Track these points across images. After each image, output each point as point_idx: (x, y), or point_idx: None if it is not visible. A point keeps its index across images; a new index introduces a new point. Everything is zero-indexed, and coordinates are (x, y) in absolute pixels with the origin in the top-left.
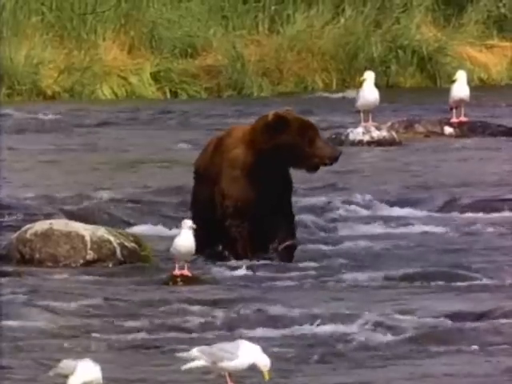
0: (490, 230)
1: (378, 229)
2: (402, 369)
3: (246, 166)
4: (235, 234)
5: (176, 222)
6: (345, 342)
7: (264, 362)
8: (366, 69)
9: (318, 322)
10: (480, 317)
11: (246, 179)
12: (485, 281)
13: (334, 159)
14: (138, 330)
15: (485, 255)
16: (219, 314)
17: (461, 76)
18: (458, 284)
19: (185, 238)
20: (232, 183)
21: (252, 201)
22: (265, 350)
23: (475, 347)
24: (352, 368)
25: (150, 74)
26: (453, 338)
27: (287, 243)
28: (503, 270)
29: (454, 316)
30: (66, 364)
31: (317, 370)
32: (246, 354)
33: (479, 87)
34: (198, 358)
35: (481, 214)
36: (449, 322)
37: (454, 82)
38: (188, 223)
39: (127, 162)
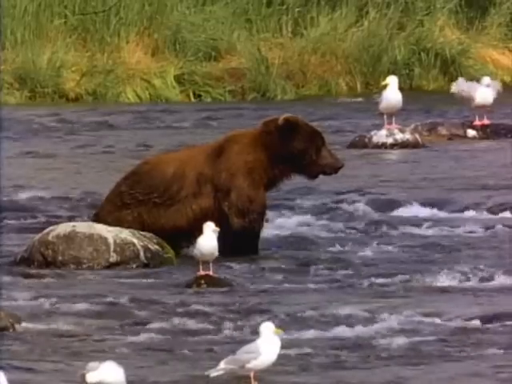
0: None
1: (400, 231)
2: (422, 371)
3: (263, 170)
4: (256, 235)
5: None
6: (364, 345)
7: (271, 328)
8: (389, 71)
9: (338, 323)
10: (503, 319)
11: (264, 184)
12: (507, 283)
13: (335, 170)
14: (162, 333)
15: (507, 257)
16: (241, 315)
17: (485, 81)
18: (482, 286)
19: (208, 240)
20: (256, 188)
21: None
22: (285, 351)
23: (497, 350)
24: (370, 370)
25: (174, 76)
26: (474, 340)
27: None
28: None
29: (477, 318)
30: (91, 367)
31: (337, 371)
32: (268, 349)
33: (502, 90)
34: (226, 369)
35: (505, 216)
36: (471, 325)
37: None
38: (211, 225)
39: None
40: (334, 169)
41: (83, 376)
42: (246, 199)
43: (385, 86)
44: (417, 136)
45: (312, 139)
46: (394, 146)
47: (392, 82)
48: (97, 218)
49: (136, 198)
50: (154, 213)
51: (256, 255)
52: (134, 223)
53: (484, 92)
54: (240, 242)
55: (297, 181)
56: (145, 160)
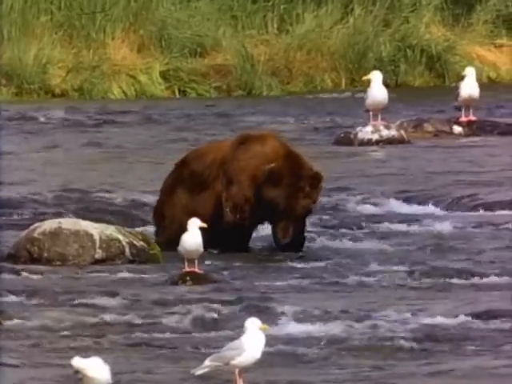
0: (500, 228)
1: (386, 227)
2: (408, 367)
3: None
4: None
5: None
6: (351, 342)
7: (257, 324)
8: (374, 68)
9: (327, 320)
10: (489, 316)
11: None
12: (496, 280)
13: (278, 244)
14: (147, 330)
15: (495, 254)
16: (227, 312)
17: (470, 73)
18: (469, 283)
19: (192, 236)
20: (253, 191)
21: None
22: (271, 347)
23: (484, 347)
24: (358, 366)
25: (160, 73)
26: (461, 337)
27: None
28: None
29: (464, 315)
30: (77, 361)
31: (323, 367)
32: (252, 346)
33: (488, 86)
34: (211, 367)
35: (490, 213)
36: (458, 321)
37: (462, 78)
38: (196, 222)
39: (136, 161)
40: (277, 243)
41: (76, 372)
42: (242, 197)
43: (368, 81)
44: (402, 132)
45: (277, 204)
46: (379, 142)
47: (376, 78)
48: (156, 215)
49: (182, 186)
50: (196, 199)
51: (244, 252)
52: (182, 213)
53: (469, 85)
54: (230, 235)
55: None
56: (194, 150)
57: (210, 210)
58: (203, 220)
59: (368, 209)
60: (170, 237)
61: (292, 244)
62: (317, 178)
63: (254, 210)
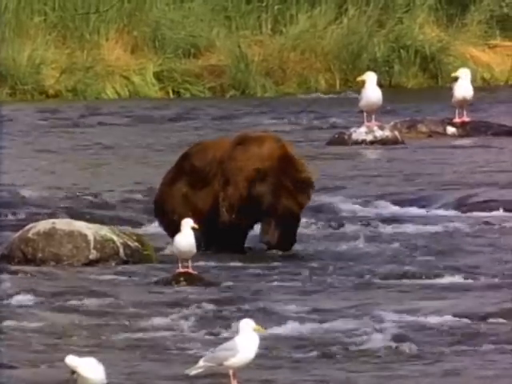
0: (493, 228)
1: (380, 228)
2: (405, 368)
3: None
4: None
5: None
6: (345, 342)
7: (251, 325)
8: (368, 69)
9: (321, 321)
10: (483, 316)
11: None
12: (489, 280)
13: (266, 243)
14: (141, 331)
15: (488, 254)
16: (221, 312)
17: (464, 75)
18: (461, 283)
19: (185, 237)
20: (250, 191)
21: None
22: (265, 348)
23: (483, 347)
24: (353, 367)
25: (153, 73)
26: (459, 337)
27: None
28: (507, 269)
29: (457, 315)
30: (71, 359)
31: (318, 368)
32: (246, 346)
33: (482, 87)
34: (205, 367)
35: (483, 213)
36: (450, 322)
37: (456, 79)
38: (189, 222)
39: (131, 162)
40: (261, 241)
41: (73, 373)
42: (238, 198)
43: (362, 82)
44: (396, 133)
45: (261, 202)
46: (373, 143)
47: (371, 79)
48: (156, 206)
49: (183, 179)
50: (196, 195)
51: (239, 253)
52: (183, 207)
53: (463, 86)
54: (226, 235)
55: None
56: (196, 143)
57: (208, 207)
58: (201, 216)
59: (361, 209)
60: (172, 232)
61: (281, 243)
62: (306, 183)
63: (249, 210)
